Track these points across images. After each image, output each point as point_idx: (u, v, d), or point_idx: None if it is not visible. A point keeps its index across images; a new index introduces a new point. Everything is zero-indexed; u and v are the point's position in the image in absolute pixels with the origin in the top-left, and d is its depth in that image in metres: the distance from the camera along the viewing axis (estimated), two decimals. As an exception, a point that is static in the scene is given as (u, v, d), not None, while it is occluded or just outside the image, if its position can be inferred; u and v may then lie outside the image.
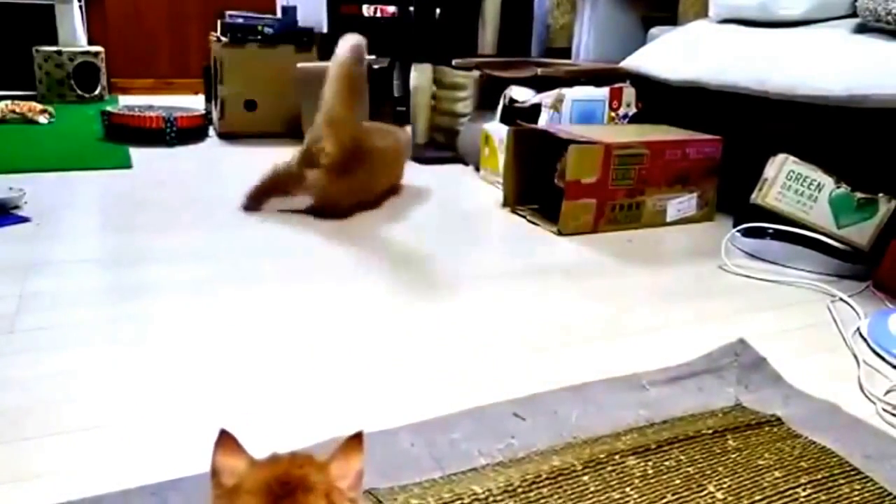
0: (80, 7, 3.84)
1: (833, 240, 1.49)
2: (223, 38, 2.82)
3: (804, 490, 0.77)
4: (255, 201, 1.83)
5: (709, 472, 0.79)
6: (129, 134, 2.43)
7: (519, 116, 2.12)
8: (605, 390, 0.96)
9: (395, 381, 1.00)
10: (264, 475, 0.51)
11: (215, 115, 2.86)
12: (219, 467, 0.50)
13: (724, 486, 0.77)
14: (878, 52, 1.53)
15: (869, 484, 0.78)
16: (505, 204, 1.95)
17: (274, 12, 3.54)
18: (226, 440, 0.52)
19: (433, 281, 1.39)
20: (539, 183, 1.88)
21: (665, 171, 1.80)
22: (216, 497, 0.50)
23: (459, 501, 0.71)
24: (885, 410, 0.95)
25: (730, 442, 0.85)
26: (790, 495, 0.76)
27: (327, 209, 1.78)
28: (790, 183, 1.55)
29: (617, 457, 0.80)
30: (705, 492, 0.75)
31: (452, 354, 1.09)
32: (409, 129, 2.13)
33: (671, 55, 2.02)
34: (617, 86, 2.12)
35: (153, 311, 1.19)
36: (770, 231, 1.55)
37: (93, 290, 1.28)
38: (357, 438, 0.54)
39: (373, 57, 2.93)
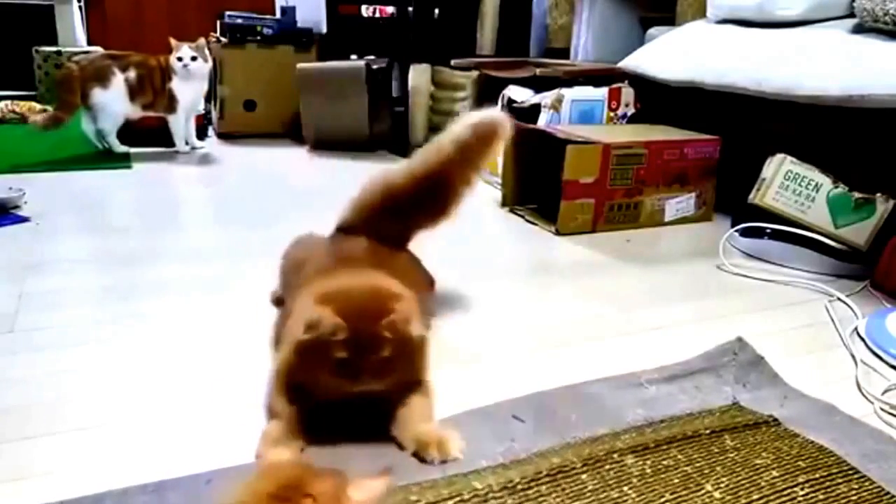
0: (80, 7, 3.84)
1: (831, 239, 1.49)
2: (223, 39, 2.82)
3: (802, 489, 0.77)
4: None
5: (707, 471, 0.79)
6: (128, 134, 2.43)
7: (518, 116, 2.12)
8: (603, 389, 0.96)
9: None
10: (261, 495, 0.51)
11: (215, 115, 2.87)
12: None
13: (722, 485, 0.77)
14: (875, 53, 1.53)
15: (866, 483, 0.78)
16: (503, 204, 1.95)
17: (273, 13, 3.55)
18: None
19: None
20: (537, 183, 1.89)
21: (663, 171, 1.81)
22: None
23: (459, 498, 0.72)
24: (882, 410, 0.96)
25: (728, 441, 0.85)
26: (788, 494, 0.76)
27: None
28: (788, 183, 1.55)
29: (615, 455, 0.81)
30: (703, 491, 0.76)
31: (451, 354, 1.09)
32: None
33: (669, 55, 2.03)
34: (615, 86, 2.13)
35: (153, 311, 1.19)
36: (768, 231, 1.55)
37: (92, 289, 1.28)
38: None
39: (372, 57, 2.94)
